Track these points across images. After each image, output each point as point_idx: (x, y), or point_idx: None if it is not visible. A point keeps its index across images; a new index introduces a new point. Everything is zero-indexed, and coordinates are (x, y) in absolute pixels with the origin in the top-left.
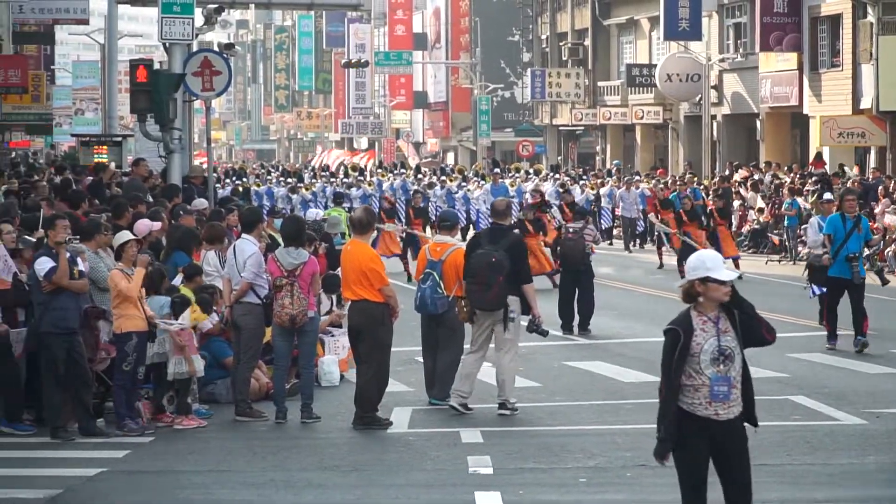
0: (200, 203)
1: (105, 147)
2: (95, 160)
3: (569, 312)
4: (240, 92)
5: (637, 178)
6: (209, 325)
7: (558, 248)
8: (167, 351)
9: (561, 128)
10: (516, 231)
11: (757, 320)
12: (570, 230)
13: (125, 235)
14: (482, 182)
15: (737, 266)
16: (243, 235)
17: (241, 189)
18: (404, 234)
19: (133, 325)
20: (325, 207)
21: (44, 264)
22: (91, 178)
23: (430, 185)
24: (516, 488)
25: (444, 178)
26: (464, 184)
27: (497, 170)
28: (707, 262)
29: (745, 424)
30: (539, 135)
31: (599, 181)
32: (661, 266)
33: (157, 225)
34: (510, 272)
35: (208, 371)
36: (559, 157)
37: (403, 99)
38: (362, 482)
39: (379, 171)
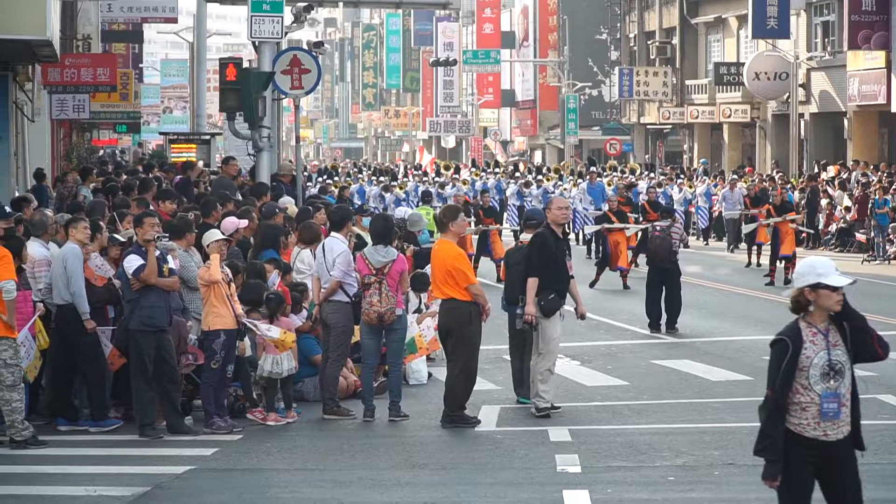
0: (287, 201)
1: (194, 145)
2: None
3: (656, 311)
4: (327, 90)
5: (735, 177)
6: (299, 322)
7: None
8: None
9: (648, 126)
10: (541, 228)
11: (868, 333)
12: (657, 228)
13: (214, 234)
14: (580, 181)
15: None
16: (332, 234)
17: (333, 188)
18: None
19: (221, 323)
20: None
21: (132, 262)
22: (179, 176)
23: (527, 185)
24: (604, 487)
25: (540, 177)
26: (560, 182)
27: (594, 168)
28: (818, 267)
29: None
30: (626, 133)
31: (688, 180)
32: (749, 265)
33: (244, 223)
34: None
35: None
36: (646, 156)
37: (491, 97)
38: (450, 480)
39: (472, 169)
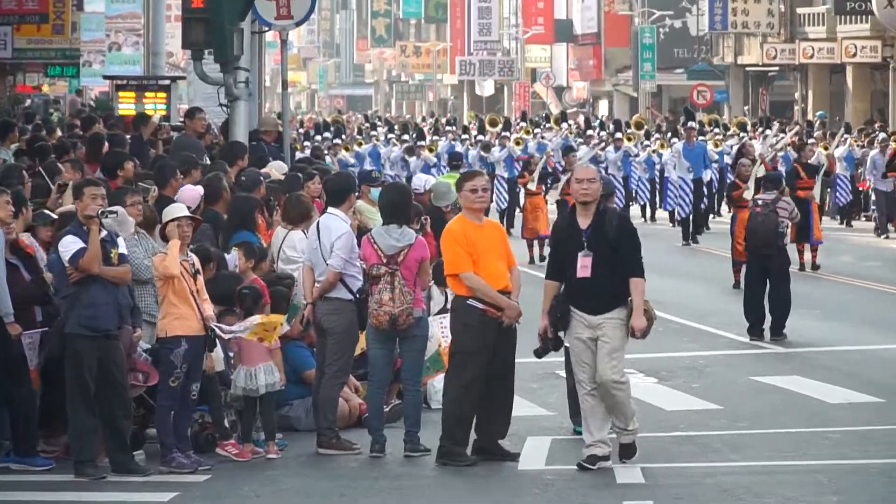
0: (275, 165)
1: (163, 94)
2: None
3: (758, 311)
4: (325, 20)
5: (885, 136)
6: (286, 327)
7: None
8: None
9: (748, 68)
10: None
11: None
12: (759, 203)
13: (175, 210)
14: (674, 140)
15: None
16: (329, 210)
17: (344, 150)
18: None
19: (183, 328)
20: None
21: (69, 245)
22: (129, 135)
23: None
24: None
25: (619, 135)
26: (646, 142)
27: (692, 124)
28: None
29: None
30: (719, 77)
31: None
32: None
33: (200, 189)
34: None
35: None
36: (745, 107)
37: (542, 30)
38: None
39: (522, 125)
